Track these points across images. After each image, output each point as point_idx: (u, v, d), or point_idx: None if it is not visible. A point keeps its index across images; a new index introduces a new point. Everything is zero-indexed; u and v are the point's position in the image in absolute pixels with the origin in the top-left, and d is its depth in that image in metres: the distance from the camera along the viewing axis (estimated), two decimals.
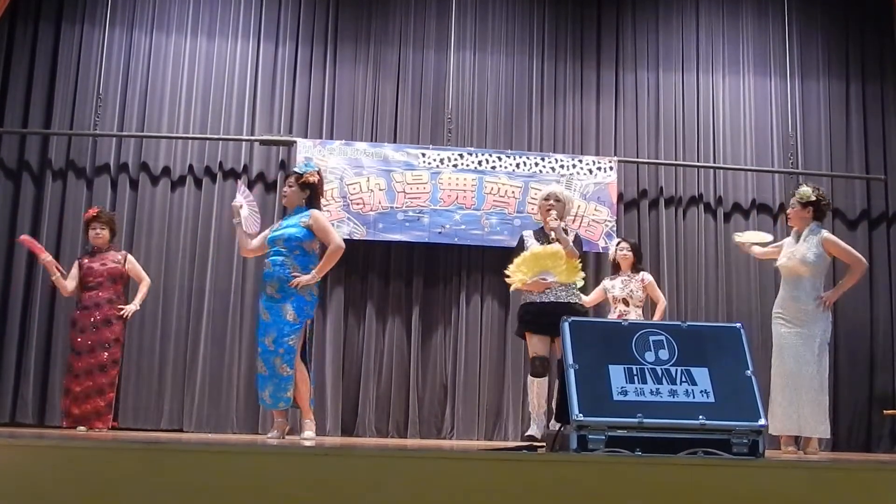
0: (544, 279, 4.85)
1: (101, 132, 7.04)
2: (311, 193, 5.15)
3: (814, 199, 5.29)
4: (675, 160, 7.51)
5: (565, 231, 5.06)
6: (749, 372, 3.11)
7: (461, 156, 7.08)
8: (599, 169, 7.17)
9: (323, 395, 6.78)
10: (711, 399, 3.02)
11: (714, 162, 7.55)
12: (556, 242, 4.96)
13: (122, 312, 5.84)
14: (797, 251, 5.27)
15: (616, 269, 6.32)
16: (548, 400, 5.07)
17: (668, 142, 7.54)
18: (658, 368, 3.05)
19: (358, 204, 6.94)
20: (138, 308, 5.98)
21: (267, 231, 5.24)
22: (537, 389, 4.91)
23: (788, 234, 5.56)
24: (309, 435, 5.01)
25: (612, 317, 6.03)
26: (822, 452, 5.61)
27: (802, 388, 5.11)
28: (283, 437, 5.00)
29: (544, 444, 4.09)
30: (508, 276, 4.98)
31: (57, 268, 5.82)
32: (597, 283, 6.84)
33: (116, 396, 6.18)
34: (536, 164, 7.12)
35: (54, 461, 2.34)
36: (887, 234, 7.59)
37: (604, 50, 7.65)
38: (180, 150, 7.13)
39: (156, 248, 6.92)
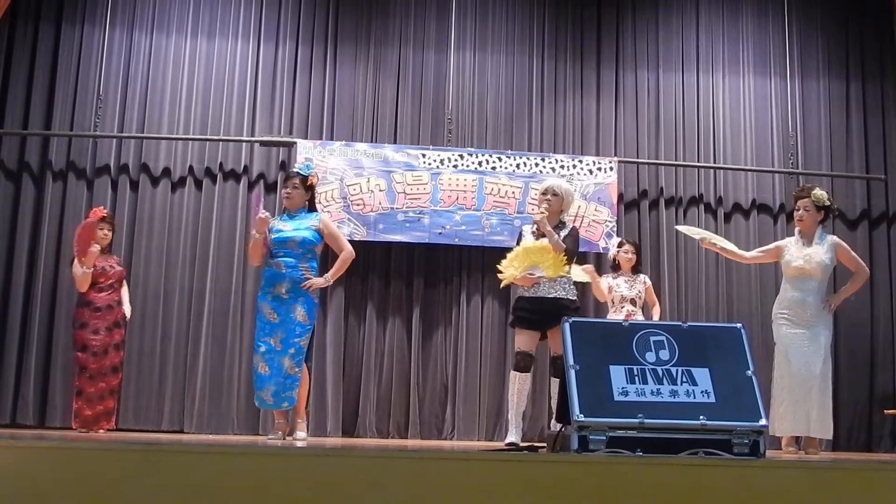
0: (532, 274, 4.85)
1: (102, 133, 7.04)
2: (312, 195, 5.25)
3: (828, 203, 5.33)
4: (676, 160, 7.50)
5: (563, 224, 5.04)
6: (750, 372, 3.12)
7: (461, 156, 7.08)
8: (600, 169, 7.17)
9: (323, 396, 6.79)
10: (712, 399, 3.02)
11: (714, 162, 7.55)
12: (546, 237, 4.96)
13: (128, 315, 5.96)
14: (814, 255, 5.25)
15: (615, 268, 6.32)
16: (530, 399, 5.08)
17: (669, 142, 7.54)
18: (659, 369, 3.05)
19: (358, 205, 6.94)
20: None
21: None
22: (518, 385, 4.89)
23: (786, 235, 5.54)
24: (301, 435, 5.03)
25: (619, 316, 6.01)
26: (823, 452, 5.61)
27: (812, 389, 5.11)
28: (284, 438, 5.00)
29: (543, 445, 4.10)
30: (501, 272, 4.96)
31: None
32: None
33: (116, 398, 6.22)
34: (537, 165, 7.12)
35: (55, 462, 2.35)
36: (887, 233, 7.59)
37: (604, 50, 7.65)
38: (180, 151, 7.13)
39: (156, 249, 6.92)
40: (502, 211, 7.00)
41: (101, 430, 5.69)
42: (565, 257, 4.85)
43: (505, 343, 7.04)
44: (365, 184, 6.97)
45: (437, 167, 7.03)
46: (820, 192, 5.38)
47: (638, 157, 7.47)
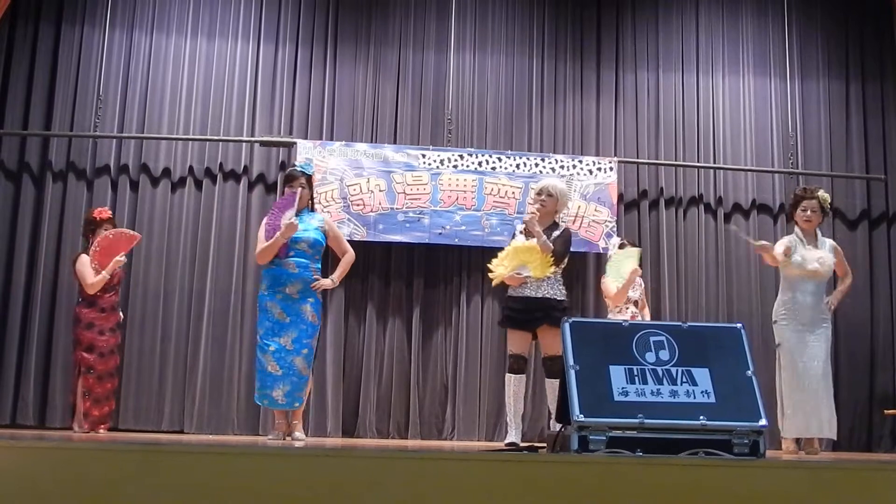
0: (520, 273, 4.86)
1: (102, 133, 7.04)
2: (312, 194, 5.30)
3: (829, 205, 5.36)
4: (676, 160, 7.51)
5: (556, 225, 5.05)
6: (750, 372, 3.12)
7: (461, 157, 7.08)
8: (600, 169, 7.17)
9: (324, 396, 6.78)
10: (712, 399, 3.02)
11: (714, 162, 7.55)
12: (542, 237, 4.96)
13: (121, 317, 6.04)
14: (826, 258, 5.25)
15: None
16: (525, 400, 5.07)
17: (669, 142, 7.54)
18: (659, 369, 3.05)
19: (358, 205, 6.94)
20: None
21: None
22: (514, 388, 4.90)
23: (785, 235, 5.50)
24: (299, 436, 5.04)
25: (624, 316, 6.00)
26: (823, 453, 5.61)
27: (821, 390, 5.11)
28: (284, 439, 5.01)
29: (543, 445, 4.09)
30: (492, 271, 4.97)
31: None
32: (596, 283, 6.85)
33: (116, 398, 6.23)
34: (536, 165, 7.12)
35: (55, 462, 2.34)
36: (887, 234, 7.59)
37: (604, 50, 7.65)
38: (180, 152, 7.13)
39: (156, 250, 6.92)
40: (502, 211, 7.00)
41: (101, 431, 5.72)
42: (552, 258, 4.85)
43: (505, 343, 7.02)
44: (365, 184, 6.97)
45: (437, 167, 7.03)
46: (825, 194, 5.41)
47: (638, 158, 7.47)
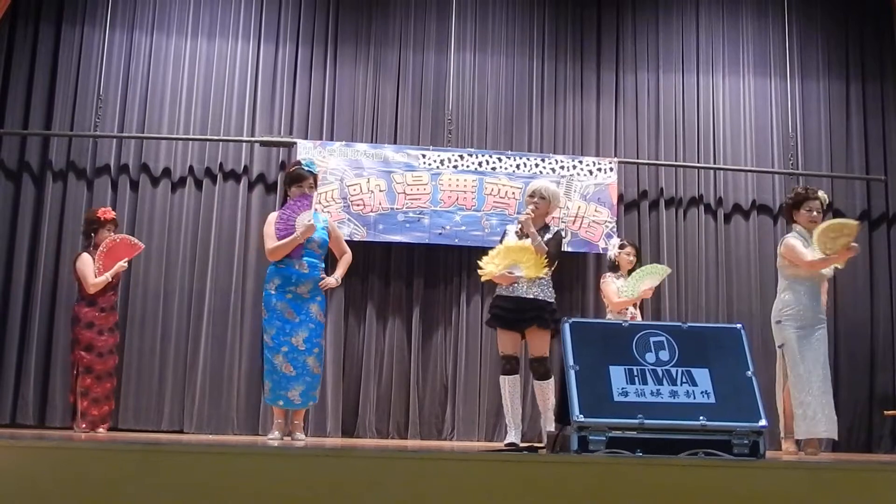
0: (512, 273, 4.85)
1: (102, 133, 7.04)
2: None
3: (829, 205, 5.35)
4: (676, 161, 7.50)
5: (547, 228, 5.05)
6: (750, 372, 3.12)
7: (461, 157, 7.08)
8: (600, 170, 7.17)
9: (323, 396, 6.77)
10: (712, 400, 3.02)
11: (714, 163, 7.55)
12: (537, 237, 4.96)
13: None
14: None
15: (614, 269, 6.32)
16: (524, 400, 5.06)
17: (669, 142, 7.54)
18: (659, 369, 3.05)
19: (358, 205, 6.94)
20: None
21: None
22: (509, 389, 4.90)
23: (786, 235, 5.46)
24: (300, 436, 5.06)
25: (624, 317, 6.00)
26: (823, 453, 5.60)
27: (826, 390, 5.10)
28: (283, 438, 5.01)
29: (543, 445, 4.09)
30: (481, 268, 4.95)
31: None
32: (596, 283, 6.84)
33: (116, 398, 6.24)
34: (537, 165, 7.12)
35: (55, 462, 2.34)
36: (887, 234, 7.59)
37: (604, 51, 7.65)
38: (181, 151, 7.14)
39: (156, 249, 6.92)
40: (502, 211, 7.00)
41: (101, 430, 5.72)
42: (546, 259, 4.85)
43: None
44: (365, 184, 6.97)
45: (438, 168, 7.03)
46: (824, 194, 5.40)
47: (638, 158, 7.47)
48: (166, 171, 7.10)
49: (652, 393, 2.99)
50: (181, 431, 6.67)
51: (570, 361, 3.04)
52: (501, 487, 2.33)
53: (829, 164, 7.63)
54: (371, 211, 6.94)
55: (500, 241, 5.09)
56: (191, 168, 7.10)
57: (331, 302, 6.87)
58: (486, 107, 7.45)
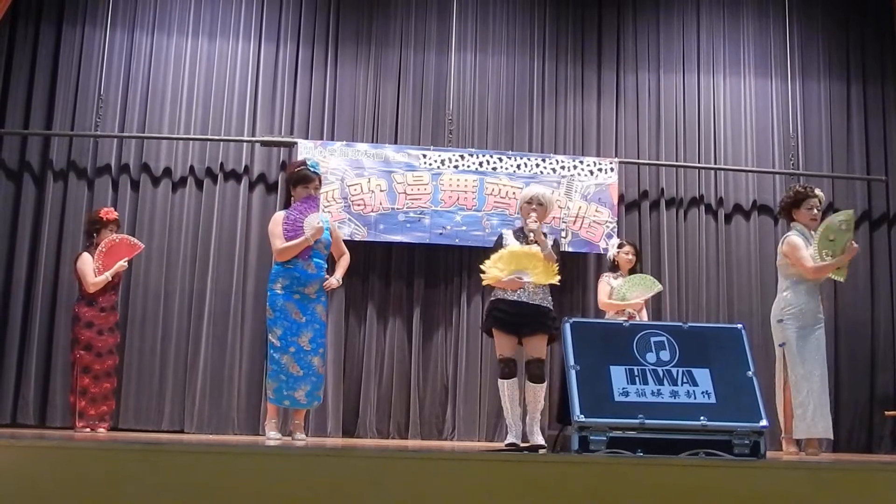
0: (520, 278, 4.83)
1: (103, 133, 7.04)
2: None
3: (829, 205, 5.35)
4: (676, 161, 7.50)
5: (544, 234, 5.04)
6: (750, 373, 3.12)
7: (462, 157, 7.08)
8: (600, 170, 7.17)
9: (324, 396, 6.75)
10: (713, 400, 3.02)
11: (715, 163, 7.55)
12: (535, 244, 4.92)
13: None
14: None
15: (614, 269, 6.32)
16: (522, 402, 5.04)
17: (669, 143, 7.54)
18: (659, 369, 3.05)
19: (359, 205, 6.94)
20: None
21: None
22: (508, 392, 4.87)
23: (785, 234, 5.45)
24: (300, 436, 5.07)
25: (622, 316, 5.99)
26: (823, 453, 5.60)
27: (825, 390, 5.10)
28: (281, 438, 5.03)
29: (543, 445, 4.09)
30: (484, 271, 4.91)
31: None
32: (596, 284, 6.82)
33: (116, 398, 6.24)
34: (537, 166, 7.12)
35: (55, 462, 2.34)
36: (888, 235, 7.58)
37: (605, 51, 7.65)
38: (181, 151, 7.14)
39: (157, 249, 6.92)
40: (503, 212, 7.00)
41: (101, 430, 5.72)
42: (555, 266, 4.86)
43: None
44: (366, 184, 6.97)
45: (438, 167, 7.03)
46: (821, 193, 5.40)
47: (639, 158, 7.47)
48: (167, 171, 7.10)
49: (653, 393, 2.99)
50: (182, 431, 6.67)
51: (571, 361, 3.04)
52: (501, 487, 2.33)
53: (829, 164, 7.63)
54: (372, 211, 6.94)
55: (497, 245, 5.03)
56: (191, 168, 7.10)
57: (331, 302, 6.87)
58: (486, 107, 7.45)
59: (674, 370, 3.05)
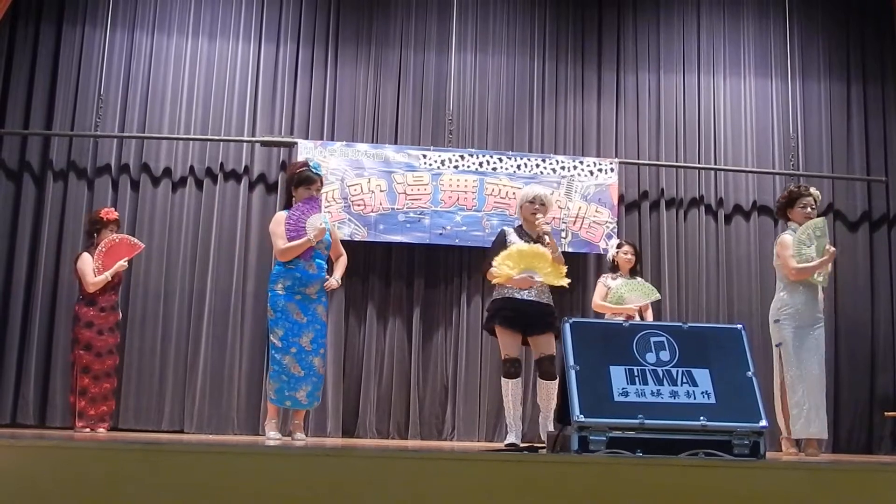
0: (531, 277, 4.82)
1: (103, 133, 7.04)
2: None
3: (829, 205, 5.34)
4: (676, 161, 7.50)
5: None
6: (750, 373, 3.12)
7: (462, 157, 7.09)
8: (600, 170, 7.17)
9: (324, 396, 6.76)
10: (712, 400, 3.02)
11: (715, 163, 7.55)
12: (539, 244, 4.92)
13: (120, 316, 6.09)
14: None
15: (614, 269, 6.32)
16: (524, 402, 5.03)
17: (669, 143, 7.54)
18: (659, 369, 3.05)
19: (359, 205, 6.94)
20: None
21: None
22: (512, 391, 4.87)
23: (782, 232, 5.45)
24: (300, 436, 5.07)
25: (620, 316, 5.99)
26: (823, 454, 5.60)
27: (822, 390, 5.10)
28: (282, 437, 5.03)
29: (543, 445, 4.09)
30: (494, 268, 4.87)
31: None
32: (596, 284, 6.83)
33: (116, 398, 6.24)
34: (537, 166, 7.12)
35: (55, 462, 2.34)
36: (888, 235, 7.58)
37: (605, 51, 7.65)
38: (181, 151, 7.14)
39: (156, 249, 6.92)
40: (503, 212, 7.00)
41: (101, 430, 5.72)
42: (564, 268, 4.87)
43: None
44: (366, 184, 6.97)
45: (438, 168, 7.03)
46: (816, 191, 5.39)
47: (639, 159, 7.47)
48: (167, 171, 7.10)
49: (652, 393, 2.99)
50: (181, 431, 6.67)
51: (571, 361, 3.04)
52: (501, 487, 2.33)
53: (829, 165, 7.63)
54: (372, 211, 6.94)
55: (498, 242, 5.02)
56: (191, 168, 7.10)
57: (331, 302, 6.87)
58: (486, 107, 7.45)
59: (673, 370, 3.05)
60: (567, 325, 3.15)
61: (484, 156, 7.12)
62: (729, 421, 2.98)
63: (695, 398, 3.01)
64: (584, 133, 7.50)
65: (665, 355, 3.08)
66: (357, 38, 7.43)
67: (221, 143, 7.13)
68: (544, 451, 3.44)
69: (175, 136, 7.12)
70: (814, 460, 4.40)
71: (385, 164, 7.01)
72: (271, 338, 5.01)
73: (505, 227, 5.25)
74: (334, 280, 5.17)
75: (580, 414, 2.91)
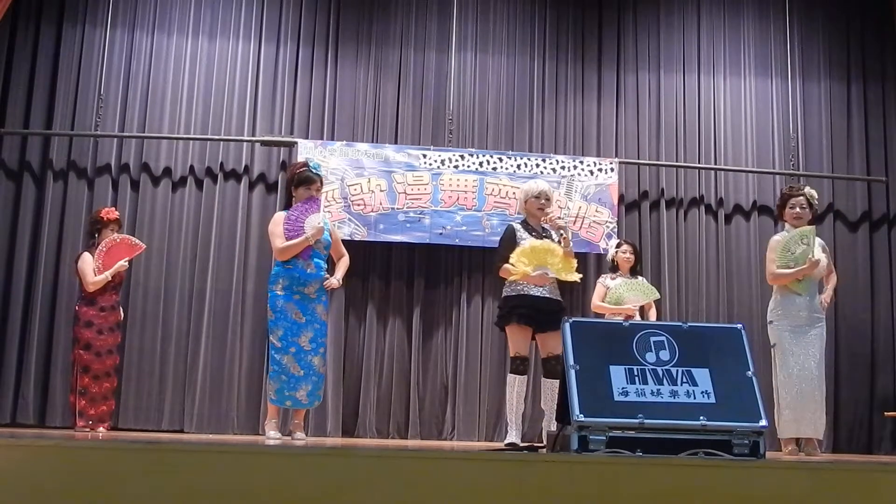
0: (546, 273, 4.83)
1: (103, 133, 7.04)
2: None
3: (816, 202, 5.32)
4: (677, 161, 7.50)
5: (547, 231, 5.06)
6: (750, 373, 3.11)
7: (462, 157, 7.09)
8: (601, 170, 7.17)
9: (324, 396, 6.76)
10: (712, 400, 3.02)
11: (715, 163, 7.55)
12: (547, 239, 4.93)
13: (121, 316, 6.08)
14: (821, 257, 5.22)
15: (614, 269, 6.32)
16: (525, 400, 5.02)
17: (669, 143, 7.54)
18: (659, 369, 3.05)
19: (359, 205, 6.94)
20: None
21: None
22: (517, 388, 4.87)
23: (780, 232, 5.45)
24: (300, 436, 5.08)
25: (620, 316, 5.99)
26: (823, 454, 5.60)
27: (815, 390, 5.10)
28: (282, 436, 5.03)
29: (543, 445, 4.09)
30: (510, 265, 4.86)
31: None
32: (595, 284, 6.83)
33: (116, 397, 6.23)
34: (538, 166, 7.12)
35: (55, 462, 2.34)
36: (888, 235, 7.58)
37: (605, 51, 7.65)
38: (181, 151, 7.14)
39: (157, 249, 6.92)
40: (503, 212, 7.00)
41: (101, 430, 5.72)
42: (575, 262, 4.87)
43: (505, 343, 7.01)
44: (366, 184, 6.97)
45: (438, 167, 7.03)
46: (811, 191, 5.38)
47: (639, 159, 7.47)
48: (167, 171, 7.10)
49: (652, 393, 2.99)
50: (181, 431, 6.67)
51: (571, 361, 3.04)
52: (501, 487, 2.33)
53: (829, 165, 7.63)
54: (372, 211, 6.94)
55: (508, 238, 4.98)
56: (191, 168, 7.11)
57: (331, 302, 6.87)
58: (486, 107, 7.45)
59: (673, 370, 3.05)
60: (567, 325, 3.15)
61: (484, 155, 7.12)
62: (729, 420, 2.98)
63: (694, 398, 3.01)
64: (584, 133, 7.50)
65: (665, 355, 3.08)
66: (357, 38, 7.43)
67: (221, 142, 7.13)
68: (544, 450, 3.44)
69: (175, 135, 7.12)
70: (813, 460, 4.40)
71: (385, 163, 7.02)
72: (271, 338, 5.02)
73: (513, 223, 5.19)
74: (335, 279, 5.17)
75: (580, 413, 2.91)
